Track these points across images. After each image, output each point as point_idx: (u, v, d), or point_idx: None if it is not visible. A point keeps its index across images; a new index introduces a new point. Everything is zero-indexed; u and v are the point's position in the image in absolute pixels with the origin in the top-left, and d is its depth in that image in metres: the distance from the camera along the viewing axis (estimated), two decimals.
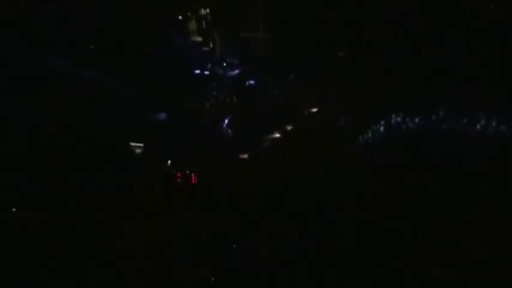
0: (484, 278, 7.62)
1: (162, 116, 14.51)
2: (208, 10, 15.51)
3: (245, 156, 13.92)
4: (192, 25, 15.63)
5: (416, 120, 13.33)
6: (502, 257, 7.97)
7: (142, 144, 13.65)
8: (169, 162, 13.28)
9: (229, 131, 14.84)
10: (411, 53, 14.61)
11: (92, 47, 14.14)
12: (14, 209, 9.73)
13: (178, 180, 12.89)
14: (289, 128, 14.86)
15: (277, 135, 14.69)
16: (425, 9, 14.82)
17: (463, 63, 14.19)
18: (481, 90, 13.39)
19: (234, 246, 9.21)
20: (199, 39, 15.87)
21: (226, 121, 14.87)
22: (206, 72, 15.61)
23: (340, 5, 14.90)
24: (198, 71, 15.54)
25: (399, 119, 13.56)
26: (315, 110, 15.10)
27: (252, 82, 15.74)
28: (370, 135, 13.73)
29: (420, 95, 14.02)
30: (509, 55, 13.94)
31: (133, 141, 13.51)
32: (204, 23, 15.68)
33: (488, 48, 14.06)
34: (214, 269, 8.50)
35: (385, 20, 14.92)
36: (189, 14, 15.39)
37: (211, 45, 15.95)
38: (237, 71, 15.81)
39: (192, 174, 12.85)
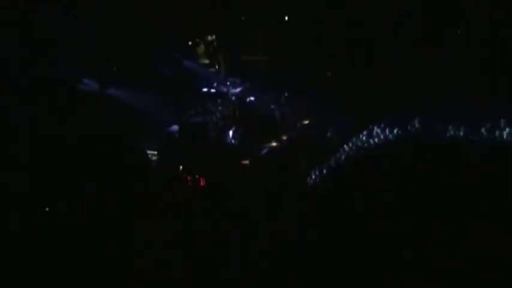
0: (484, 278, 7.33)
1: (175, 127, 15.25)
2: (214, 36, 16.43)
3: (246, 161, 14.46)
4: (200, 49, 16.58)
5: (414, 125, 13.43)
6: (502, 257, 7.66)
7: (156, 152, 14.41)
8: (181, 167, 13.82)
9: (234, 140, 15.42)
10: (409, 58, 14.57)
11: (114, 68, 15.13)
12: (25, 209, 9.22)
13: (189, 182, 13.22)
14: (284, 137, 15.49)
15: (274, 143, 15.30)
16: (425, 10, 14.50)
17: (463, 63, 14.01)
18: (481, 90, 13.23)
19: (236, 246, 8.80)
20: (206, 61, 16.80)
21: (231, 132, 15.41)
22: (212, 90, 16.44)
23: (330, 28, 15.44)
24: (205, 89, 16.43)
25: (387, 131, 13.77)
26: (306, 122, 15.81)
27: (252, 98, 16.48)
28: (357, 144, 13.84)
29: (420, 97, 14.01)
30: (509, 55, 13.63)
31: (150, 149, 14.24)
32: (210, 47, 16.60)
33: (488, 49, 13.78)
34: (215, 269, 8.17)
35: (382, 33, 15.06)
36: (197, 40, 16.37)
37: (216, 67, 16.83)
38: (239, 89, 16.61)
39: (201, 178, 13.19)
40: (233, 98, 16.42)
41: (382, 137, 13.98)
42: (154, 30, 14.72)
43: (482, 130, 12.82)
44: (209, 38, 16.39)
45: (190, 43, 16.27)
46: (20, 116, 10.80)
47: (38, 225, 8.75)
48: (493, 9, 13.83)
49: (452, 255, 7.86)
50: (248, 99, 16.51)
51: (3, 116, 10.66)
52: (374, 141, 13.98)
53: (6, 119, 10.64)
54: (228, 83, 16.56)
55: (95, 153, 10.71)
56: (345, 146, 14.11)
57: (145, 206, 9.94)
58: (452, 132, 13.14)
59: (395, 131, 13.94)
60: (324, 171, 13.34)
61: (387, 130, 14.01)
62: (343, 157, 13.75)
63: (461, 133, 13.08)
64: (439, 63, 14.17)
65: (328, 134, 14.95)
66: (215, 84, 16.51)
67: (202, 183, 13.25)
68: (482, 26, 13.91)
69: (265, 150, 15.14)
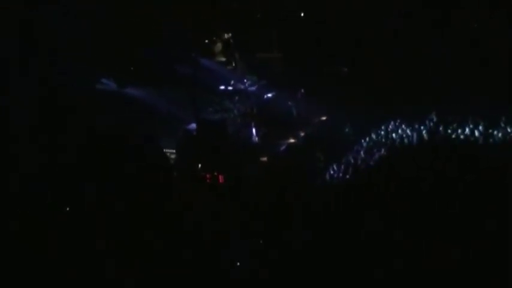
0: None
1: (193, 125, 15.33)
2: (230, 35, 16.73)
3: (265, 158, 14.55)
4: (217, 48, 16.88)
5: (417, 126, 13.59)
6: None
7: (175, 150, 14.49)
8: (199, 165, 13.85)
9: (251, 137, 15.49)
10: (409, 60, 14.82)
11: (132, 68, 15.42)
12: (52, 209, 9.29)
13: (208, 180, 13.40)
14: (302, 133, 15.63)
15: (292, 140, 15.42)
16: (424, 11, 14.74)
17: (462, 64, 14.24)
18: (481, 91, 13.40)
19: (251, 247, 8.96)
20: (223, 59, 17.14)
21: (249, 129, 15.55)
22: (230, 88, 16.61)
23: (342, 26, 15.83)
24: (223, 87, 16.59)
25: (400, 127, 13.97)
26: (324, 118, 16.08)
27: (269, 95, 16.71)
28: (375, 139, 14.00)
29: (420, 99, 14.18)
30: (510, 55, 13.75)
31: (168, 148, 14.28)
32: (227, 46, 16.89)
33: (488, 48, 14.02)
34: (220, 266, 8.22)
35: (386, 39, 15.41)
36: (214, 38, 16.67)
37: (233, 65, 17.14)
38: (255, 86, 16.77)
39: (220, 175, 13.36)
40: (250, 95, 16.56)
41: (400, 131, 14.03)
42: (172, 30, 14.93)
43: (501, 123, 12.99)
44: (225, 36, 16.63)
45: (207, 41, 16.55)
46: (20, 115, 10.75)
47: (38, 225, 8.63)
48: (493, 9, 14.02)
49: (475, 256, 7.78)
50: (265, 97, 16.66)
51: (3, 116, 10.59)
52: (392, 136, 14.02)
53: (6, 119, 10.59)
54: (245, 81, 16.72)
55: (112, 154, 10.82)
56: (363, 141, 14.19)
57: (160, 207, 9.89)
58: (471, 126, 13.22)
59: (413, 126, 13.97)
60: (342, 166, 13.34)
61: (404, 125, 14.10)
62: (361, 153, 13.75)
63: (481, 127, 13.18)
64: (441, 63, 14.45)
65: (346, 130, 15.10)
66: (232, 82, 16.67)
67: (221, 180, 13.39)
68: (482, 26, 14.25)
69: (283, 147, 15.22)
